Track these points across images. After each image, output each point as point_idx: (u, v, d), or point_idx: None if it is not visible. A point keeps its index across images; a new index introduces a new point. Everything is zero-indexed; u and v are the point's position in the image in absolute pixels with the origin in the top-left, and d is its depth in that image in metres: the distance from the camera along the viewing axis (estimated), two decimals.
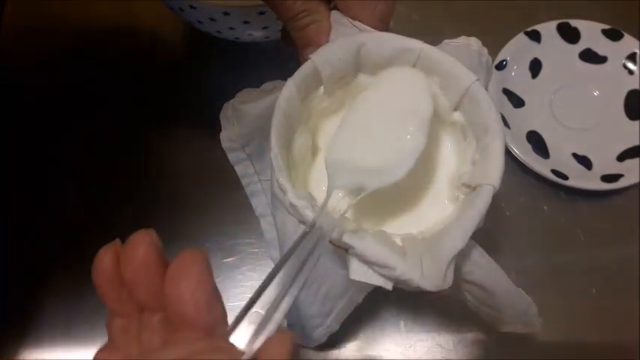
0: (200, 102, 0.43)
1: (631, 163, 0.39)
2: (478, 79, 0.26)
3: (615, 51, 0.43)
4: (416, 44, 0.27)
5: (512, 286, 0.27)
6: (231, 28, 0.39)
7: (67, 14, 0.47)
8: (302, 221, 0.24)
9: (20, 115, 0.42)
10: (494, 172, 0.24)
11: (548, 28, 0.43)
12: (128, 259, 0.17)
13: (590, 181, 0.38)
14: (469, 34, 0.30)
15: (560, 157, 0.40)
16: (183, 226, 0.39)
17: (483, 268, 0.25)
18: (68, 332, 0.36)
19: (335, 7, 0.30)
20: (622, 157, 0.40)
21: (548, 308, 0.35)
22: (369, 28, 0.28)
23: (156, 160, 0.41)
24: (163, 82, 0.44)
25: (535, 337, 0.35)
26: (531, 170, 0.39)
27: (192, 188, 0.40)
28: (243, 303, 0.17)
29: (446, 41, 0.30)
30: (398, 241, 0.24)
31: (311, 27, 0.29)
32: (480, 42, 0.30)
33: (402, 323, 0.36)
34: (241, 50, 0.43)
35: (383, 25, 0.29)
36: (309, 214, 0.23)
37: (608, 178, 0.38)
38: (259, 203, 0.36)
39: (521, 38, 0.43)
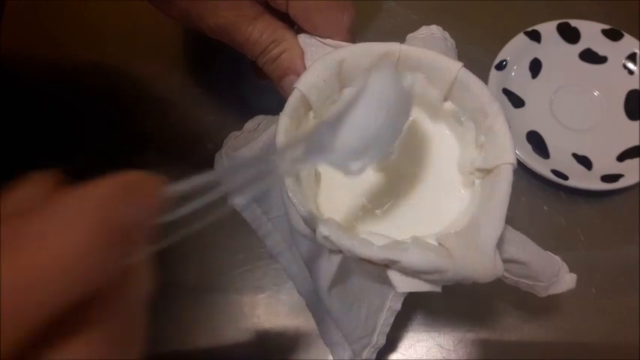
0: (202, 105, 0.43)
1: (631, 163, 0.39)
2: (464, 65, 0.26)
3: (615, 51, 0.43)
4: (394, 47, 0.27)
5: (542, 252, 0.27)
6: None
7: (65, 16, 0.47)
8: (335, 250, 0.24)
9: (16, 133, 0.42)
10: (506, 150, 0.24)
11: (548, 28, 0.43)
12: None
13: (590, 181, 0.38)
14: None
15: (560, 157, 0.40)
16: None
17: (515, 243, 0.26)
18: None
19: (300, 30, 0.30)
20: (622, 157, 0.40)
21: (548, 308, 0.36)
22: (341, 42, 0.28)
23: (155, 161, 0.41)
24: (164, 83, 0.44)
25: (535, 338, 0.35)
26: (531, 170, 0.39)
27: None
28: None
29: (410, 35, 0.30)
30: (434, 242, 0.24)
31: (283, 56, 0.29)
32: (441, 28, 0.30)
33: (401, 323, 0.36)
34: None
35: (351, 36, 0.29)
36: (344, 242, 0.23)
37: (608, 178, 0.38)
38: (274, 243, 0.36)
39: (521, 38, 0.43)
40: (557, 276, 0.28)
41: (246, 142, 0.32)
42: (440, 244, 0.24)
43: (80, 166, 0.40)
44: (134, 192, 0.14)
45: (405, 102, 0.23)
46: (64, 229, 0.12)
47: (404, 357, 0.35)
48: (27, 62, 0.45)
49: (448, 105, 0.28)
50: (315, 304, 0.33)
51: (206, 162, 0.37)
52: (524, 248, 0.26)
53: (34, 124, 0.42)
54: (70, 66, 0.45)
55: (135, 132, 0.42)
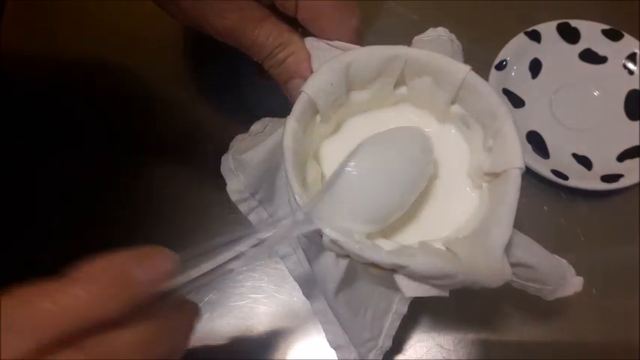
0: (203, 105, 0.43)
1: (631, 163, 0.39)
2: (471, 69, 0.26)
3: (615, 51, 0.43)
4: (401, 50, 0.27)
5: (549, 255, 0.27)
6: None
7: (65, 16, 0.47)
8: (343, 255, 0.24)
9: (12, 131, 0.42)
10: (515, 154, 0.24)
11: (548, 28, 0.43)
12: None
13: (590, 181, 0.38)
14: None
15: (560, 157, 0.40)
16: (183, 223, 0.39)
17: (522, 246, 0.25)
18: None
19: (305, 33, 0.29)
20: (622, 157, 0.40)
21: (548, 308, 0.36)
22: (348, 45, 0.28)
23: (154, 161, 0.41)
24: (164, 83, 0.44)
25: (534, 338, 0.35)
26: (531, 170, 0.39)
27: (191, 188, 0.40)
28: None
29: (416, 38, 0.30)
30: (441, 247, 0.24)
31: (290, 60, 0.29)
32: (447, 30, 0.30)
33: (402, 323, 0.36)
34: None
35: (358, 38, 0.29)
36: (352, 247, 0.23)
37: (608, 178, 0.38)
38: (280, 245, 0.36)
39: (521, 38, 0.43)
40: (564, 279, 0.28)
41: (253, 145, 0.32)
42: (447, 248, 0.24)
43: (80, 166, 0.40)
44: (145, 260, 0.19)
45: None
46: (92, 282, 0.18)
47: (404, 357, 0.35)
48: (27, 62, 0.45)
49: (456, 108, 0.28)
50: (320, 307, 0.33)
51: (207, 162, 0.37)
52: (531, 252, 0.26)
53: (34, 124, 0.42)
54: (70, 66, 0.45)
55: (135, 132, 0.42)
